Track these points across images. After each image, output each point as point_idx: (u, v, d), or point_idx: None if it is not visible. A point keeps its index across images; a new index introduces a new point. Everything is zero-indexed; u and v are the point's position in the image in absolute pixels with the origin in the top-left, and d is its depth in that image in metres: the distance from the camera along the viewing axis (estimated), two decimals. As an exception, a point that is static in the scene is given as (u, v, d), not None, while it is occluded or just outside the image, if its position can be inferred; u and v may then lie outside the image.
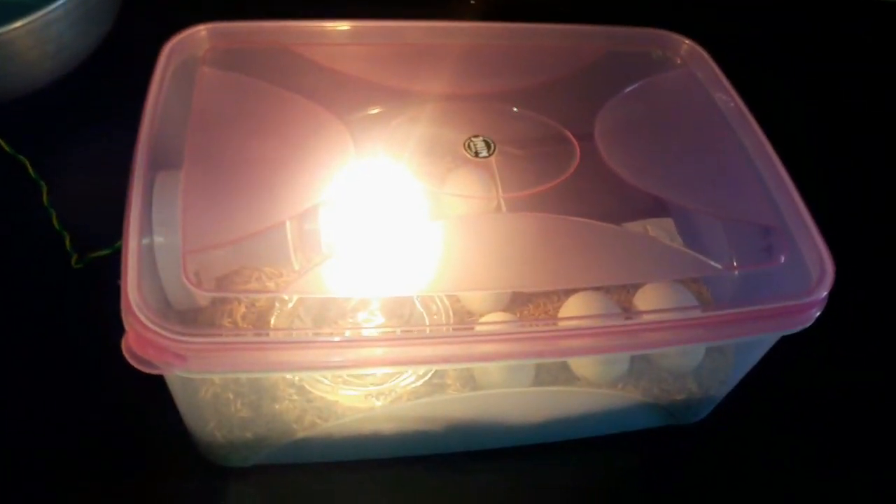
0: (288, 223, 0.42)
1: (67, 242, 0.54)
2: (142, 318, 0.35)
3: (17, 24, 0.53)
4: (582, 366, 0.46)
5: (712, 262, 0.42)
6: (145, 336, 0.35)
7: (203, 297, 0.42)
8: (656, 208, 0.48)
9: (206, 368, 0.36)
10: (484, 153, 0.45)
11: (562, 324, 0.40)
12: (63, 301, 0.52)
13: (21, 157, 0.58)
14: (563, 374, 0.47)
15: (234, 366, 0.36)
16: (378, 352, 0.37)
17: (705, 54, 0.53)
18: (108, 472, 0.46)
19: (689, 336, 0.40)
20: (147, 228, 0.39)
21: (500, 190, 0.44)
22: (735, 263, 0.45)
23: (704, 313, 0.40)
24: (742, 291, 0.48)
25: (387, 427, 0.45)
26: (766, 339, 0.45)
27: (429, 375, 0.46)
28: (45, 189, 0.57)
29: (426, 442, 0.47)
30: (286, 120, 0.44)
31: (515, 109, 0.47)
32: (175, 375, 0.41)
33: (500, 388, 0.44)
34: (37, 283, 0.53)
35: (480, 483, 0.49)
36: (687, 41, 0.53)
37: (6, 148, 0.58)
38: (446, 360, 0.38)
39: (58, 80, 0.60)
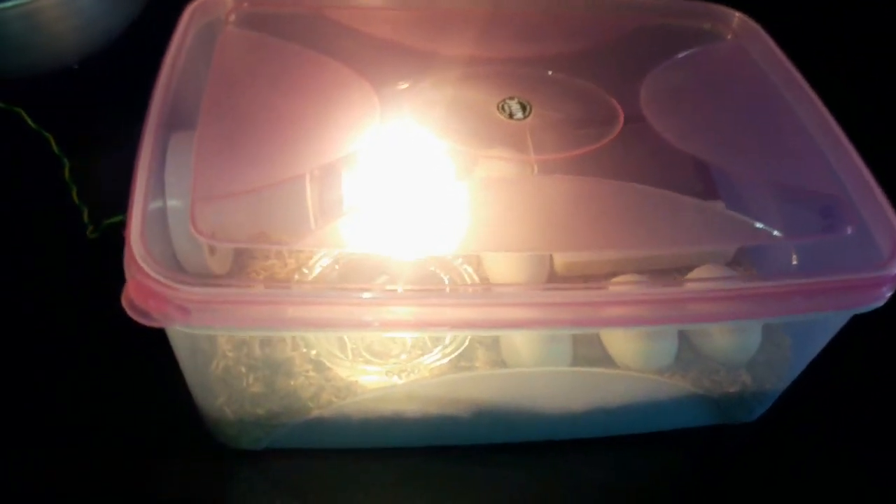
0: (308, 189, 0.39)
1: (85, 215, 0.52)
2: (143, 265, 0.33)
3: (45, -8, 0.52)
4: (624, 354, 0.43)
5: (771, 230, 0.38)
6: (146, 285, 0.33)
7: (216, 262, 0.39)
8: (705, 183, 0.44)
9: (211, 323, 0.33)
10: (519, 115, 0.42)
11: (603, 291, 0.36)
12: (77, 272, 0.50)
13: (46, 133, 0.57)
14: (602, 364, 0.43)
15: (242, 321, 0.33)
16: (407, 311, 0.33)
17: (758, 27, 0.49)
18: (110, 449, 0.43)
19: (743, 309, 0.36)
20: (157, 181, 0.37)
21: (534, 152, 0.40)
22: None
23: (760, 283, 0.36)
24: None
25: (408, 409, 0.42)
26: (826, 326, 0.41)
27: (456, 353, 0.42)
28: (67, 165, 0.56)
29: (450, 430, 0.43)
30: (309, 78, 0.42)
31: (550, 73, 0.44)
32: (184, 345, 0.38)
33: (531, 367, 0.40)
34: (52, 254, 0.51)
35: (509, 479, 0.45)
36: (738, 14, 0.50)
37: (30, 123, 0.57)
38: (478, 324, 0.34)
39: (87, 56, 0.59)
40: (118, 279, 0.35)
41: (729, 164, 0.42)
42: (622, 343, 0.42)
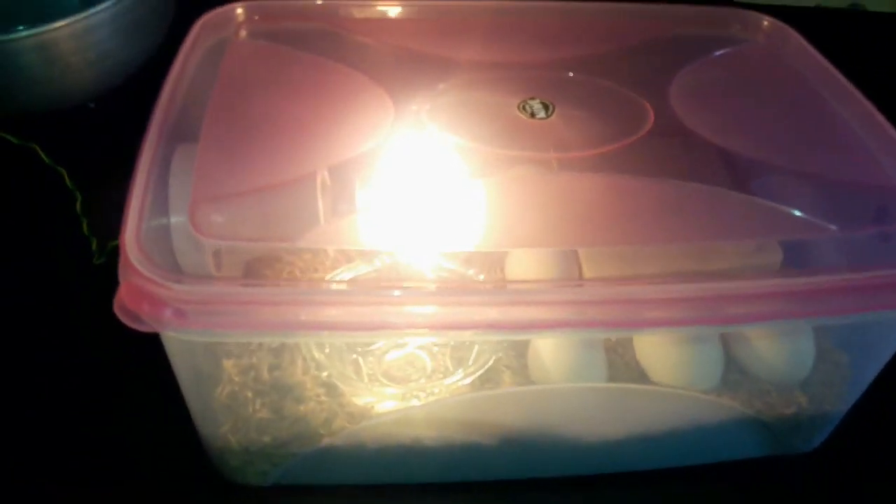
0: (319, 189, 0.36)
1: (94, 244, 0.51)
2: (135, 263, 0.30)
3: (58, 24, 0.51)
4: (664, 370, 0.39)
5: (821, 223, 0.34)
6: (138, 285, 0.30)
7: (215, 263, 0.37)
8: (744, 182, 0.41)
9: (210, 327, 0.30)
10: (542, 114, 0.39)
11: (638, 287, 0.32)
12: (84, 299, 0.48)
13: (60, 169, 0.56)
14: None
15: (245, 324, 0.30)
16: (431, 311, 0.30)
17: (789, 29, 0.47)
18: (102, 481, 0.39)
19: (794, 308, 0.32)
20: (158, 187, 0.35)
21: (559, 150, 0.38)
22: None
23: (813, 278, 0.32)
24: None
25: (428, 435, 0.38)
26: (887, 337, 0.37)
27: (479, 372, 0.39)
28: (79, 199, 0.54)
29: (476, 462, 0.39)
30: (320, 84, 0.40)
31: (572, 75, 0.42)
32: (187, 369, 0.36)
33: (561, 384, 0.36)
34: (60, 282, 0.50)
35: (543, 518, 0.40)
36: (767, 18, 0.48)
37: (45, 159, 0.56)
38: (507, 325, 0.31)
39: (103, 92, 0.59)
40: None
41: (771, 160, 0.38)
42: (661, 358, 0.38)
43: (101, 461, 0.40)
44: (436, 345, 0.42)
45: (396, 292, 0.30)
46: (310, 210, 0.34)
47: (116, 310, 0.30)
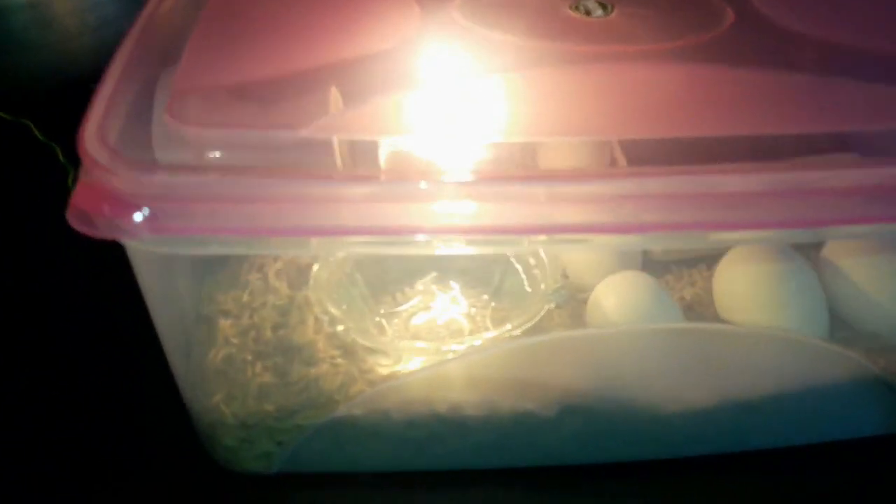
0: (331, 87, 0.30)
1: (82, 214, 0.45)
2: (94, 155, 0.24)
3: (52, -21, 0.47)
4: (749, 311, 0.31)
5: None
6: (98, 182, 0.24)
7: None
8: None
9: (192, 231, 0.23)
10: (599, 13, 0.33)
11: (713, 177, 0.25)
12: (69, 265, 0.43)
13: (53, 145, 0.51)
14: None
15: (231, 223, 0.23)
16: (478, 209, 0.23)
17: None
18: (69, 472, 0.32)
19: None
20: (138, 97, 0.29)
21: (619, 44, 0.31)
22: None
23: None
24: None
25: (468, 402, 0.30)
26: None
27: (529, 324, 0.31)
28: (71, 172, 0.49)
29: (529, 438, 0.32)
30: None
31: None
32: (175, 334, 0.29)
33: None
34: (46, 249, 0.46)
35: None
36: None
37: (38, 135, 0.52)
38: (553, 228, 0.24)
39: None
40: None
41: (880, 50, 0.31)
42: (749, 299, 0.31)
43: (71, 441, 0.33)
44: (474, 305, 0.35)
45: (423, 184, 0.23)
46: (318, 102, 0.27)
47: (70, 216, 0.24)
